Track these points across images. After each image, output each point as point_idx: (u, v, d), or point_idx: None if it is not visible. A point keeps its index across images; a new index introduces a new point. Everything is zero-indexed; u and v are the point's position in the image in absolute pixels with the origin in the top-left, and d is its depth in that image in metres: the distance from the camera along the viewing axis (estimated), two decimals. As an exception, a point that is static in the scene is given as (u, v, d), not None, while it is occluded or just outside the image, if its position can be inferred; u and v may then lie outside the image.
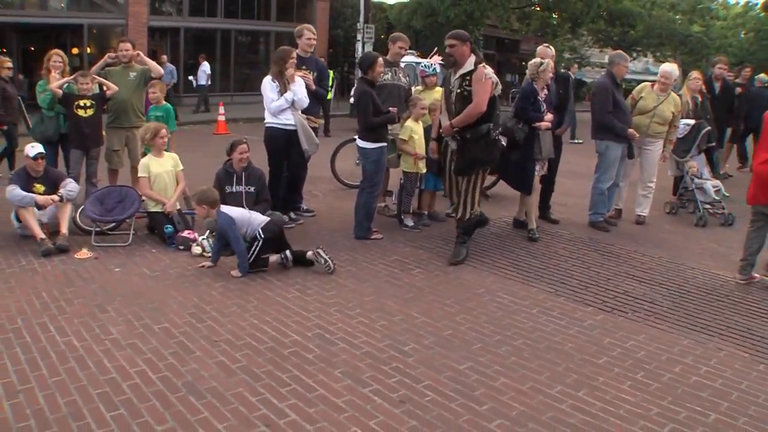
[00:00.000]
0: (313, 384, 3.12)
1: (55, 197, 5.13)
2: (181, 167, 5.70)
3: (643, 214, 6.68)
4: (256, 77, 21.13)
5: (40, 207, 5.14)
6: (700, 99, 7.50)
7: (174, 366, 3.24)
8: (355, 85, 6.71)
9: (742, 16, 34.16)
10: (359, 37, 18.94)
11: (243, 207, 5.03)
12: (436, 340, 3.68)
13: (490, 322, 3.97)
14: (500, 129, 5.08)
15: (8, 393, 2.94)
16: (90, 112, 5.96)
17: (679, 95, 6.85)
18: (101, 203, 5.47)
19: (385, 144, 5.52)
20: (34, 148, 5.21)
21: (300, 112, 5.73)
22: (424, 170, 5.93)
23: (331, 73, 11.82)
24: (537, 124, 5.61)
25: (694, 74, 7.59)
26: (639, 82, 8.26)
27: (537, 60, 5.75)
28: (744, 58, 24.68)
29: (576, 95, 12.95)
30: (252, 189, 5.35)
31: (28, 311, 3.86)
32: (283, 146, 5.74)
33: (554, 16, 23.70)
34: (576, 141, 13.18)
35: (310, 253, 4.76)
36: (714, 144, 7.44)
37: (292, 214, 6.03)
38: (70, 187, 5.27)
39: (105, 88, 6.04)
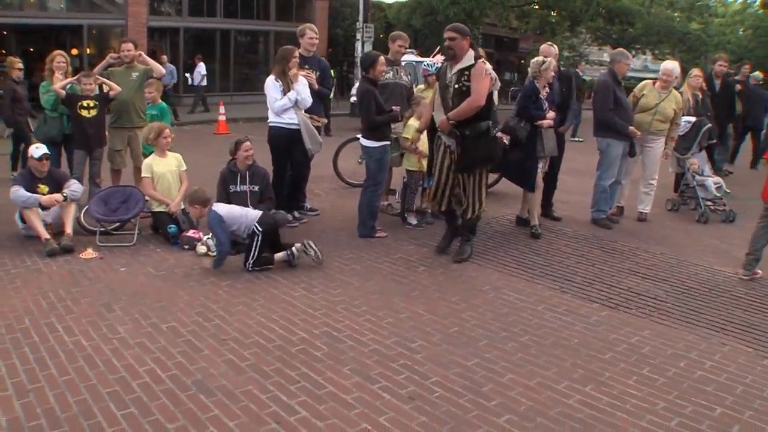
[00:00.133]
0: (322, 381, 3.13)
1: (59, 197, 5.14)
2: (185, 167, 5.71)
3: (645, 211, 6.71)
4: (255, 77, 21.20)
5: (44, 207, 5.15)
6: (700, 96, 7.52)
7: (183, 364, 3.26)
8: (358, 84, 6.71)
9: (741, 13, 34.17)
10: (358, 36, 18.97)
11: (248, 206, 5.05)
12: (443, 337, 3.70)
13: (496, 319, 3.99)
14: (499, 127, 5.08)
15: (18, 392, 2.95)
16: (93, 112, 5.97)
17: (680, 92, 6.88)
18: (105, 203, 5.48)
19: (388, 142, 5.54)
20: (38, 149, 5.21)
21: (303, 111, 5.74)
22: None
23: (331, 72, 11.81)
24: (539, 121, 5.64)
25: (695, 71, 7.62)
26: (638, 79, 8.28)
27: (539, 58, 5.77)
28: (742, 55, 24.72)
29: (579, 92, 12.99)
30: (256, 188, 5.36)
31: (35, 311, 3.87)
32: (287, 145, 5.75)
33: (553, 14, 23.73)
34: (576, 139, 13.20)
35: (299, 245, 4.79)
36: (715, 141, 7.47)
37: (296, 213, 6.05)
38: (74, 187, 5.28)
39: (108, 89, 6.05)
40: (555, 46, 6.27)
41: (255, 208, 4.99)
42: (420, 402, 2.98)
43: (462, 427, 2.80)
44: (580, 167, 8.76)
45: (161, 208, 5.46)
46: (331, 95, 13.59)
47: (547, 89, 5.80)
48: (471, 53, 4.73)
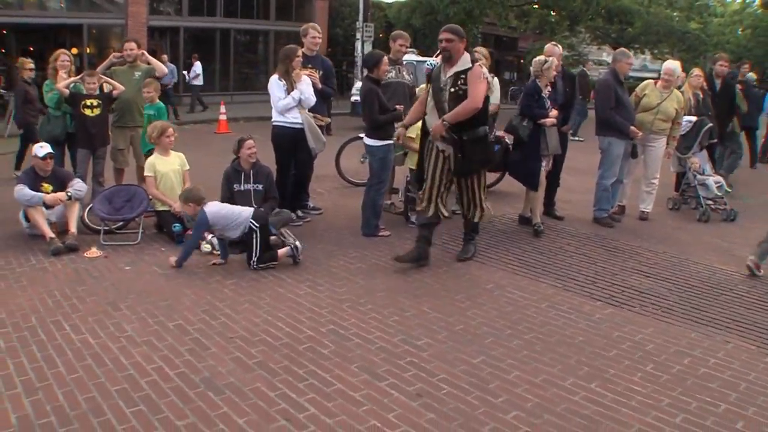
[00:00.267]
0: (330, 378, 3.15)
1: (63, 196, 5.15)
2: (188, 167, 5.72)
3: (647, 211, 6.74)
4: (255, 76, 21.22)
5: (48, 206, 5.16)
6: (701, 96, 7.55)
7: (191, 362, 3.27)
8: (361, 83, 6.73)
9: (740, 13, 34.21)
10: (358, 35, 19.00)
11: (252, 205, 5.06)
12: (449, 334, 3.72)
13: (500, 317, 4.01)
14: (495, 132, 5.04)
15: (27, 390, 2.96)
16: (97, 111, 5.99)
17: (681, 92, 6.90)
18: (110, 202, 5.49)
19: (391, 141, 5.55)
20: (42, 148, 5.23)
21: (307, 110, 5.76)
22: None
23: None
24: (542, 120, 5.66)
25: (696, 71, 7.65)
26: (636, 78, 8.31)
27: (541, 58, 5.80)
28: (742, 55, 24.75)
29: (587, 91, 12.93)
30: (260, 187, 5.38)
31: (41, 309, 3.89)
32: (291, 144, 5.77)
33: (552, 13, 23.79)
34: (576, 139, 13.20)
35: (274, 237, 4.87)
36: (715, 140, 7.49)
37: (300, 212, 6.06)
38: (77, 186, 5.30)
39: (112, 88, 6.06)
40: (559, 45, 6.29)
41: (259, 207, 5.00)
42: (428, 399, 3.01)
43: (470, 424, 2.82)
44: (581, 166, 8.78)
45: (165, 207, 5.47)
46: (332, 95, 13.58)
47: (550, 88, 5.82)
48: (467, 56, 4.67)
